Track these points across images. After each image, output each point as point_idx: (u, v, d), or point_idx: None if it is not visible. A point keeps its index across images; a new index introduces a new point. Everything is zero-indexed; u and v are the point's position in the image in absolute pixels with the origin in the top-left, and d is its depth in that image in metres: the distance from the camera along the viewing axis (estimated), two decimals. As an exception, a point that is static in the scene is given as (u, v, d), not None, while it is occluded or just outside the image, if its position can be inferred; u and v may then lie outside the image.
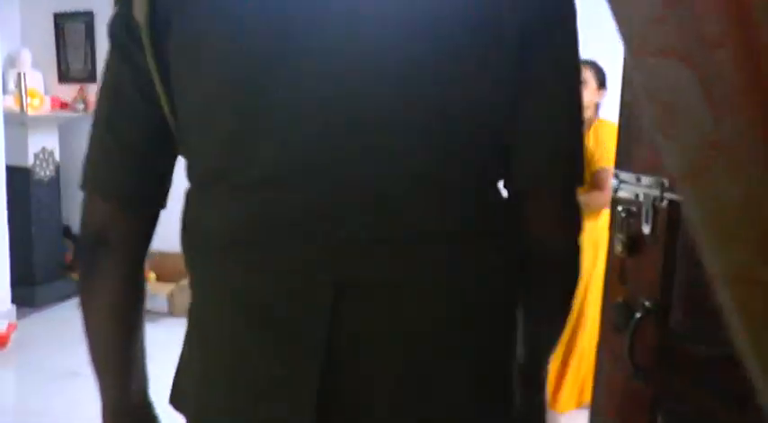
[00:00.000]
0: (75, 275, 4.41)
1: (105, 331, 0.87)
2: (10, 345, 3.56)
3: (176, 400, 0.85)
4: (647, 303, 1.07)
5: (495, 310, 0.76)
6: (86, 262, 0.83)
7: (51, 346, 3.57)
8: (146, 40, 0.70)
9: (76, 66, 4.41)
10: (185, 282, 3.77)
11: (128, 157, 0.78)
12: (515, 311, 0.79)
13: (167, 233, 3.87)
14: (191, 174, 0.79)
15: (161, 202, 0.86)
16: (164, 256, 4.27)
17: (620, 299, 1.14)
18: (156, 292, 4.08)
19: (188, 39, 0.69)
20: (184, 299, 4.00)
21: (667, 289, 1.06)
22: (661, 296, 1.06)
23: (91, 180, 0.81)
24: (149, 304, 3.92)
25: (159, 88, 0.72)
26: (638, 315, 1.06)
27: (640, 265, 1.11)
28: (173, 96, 0.72)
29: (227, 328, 0.76)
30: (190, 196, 0.81)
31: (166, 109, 0.73)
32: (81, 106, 4.34)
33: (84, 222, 0.82)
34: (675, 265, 1.05)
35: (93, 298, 0.84)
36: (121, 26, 0.73)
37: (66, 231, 4.54)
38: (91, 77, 4.40)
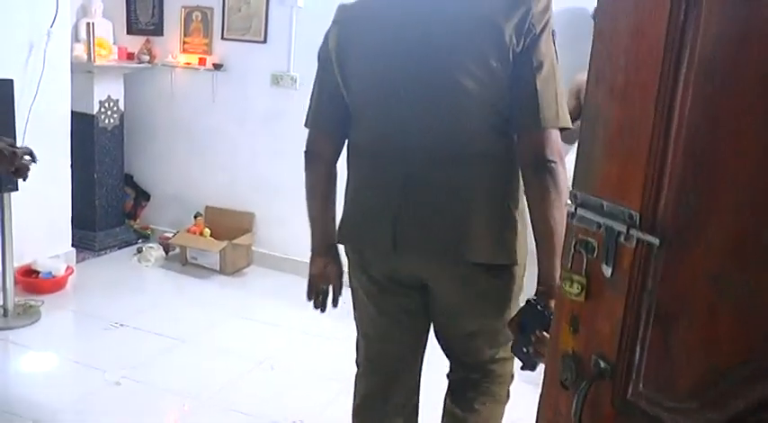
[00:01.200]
0: (132, 223, 4.55)
1: (321, 191, 1.68)
2: (67, 287, 3.70)
3: (340, 239, 1.68)
4: (601, 363, 0.88)
5: (493, 197, 1.48)
6: (306, 166, 1.68)
7: (104, 295, 3.70)
8: (334, 59, 1.55)
9: (144, 18, 4.46)
10: (237, 240, 3.83)
11: (323, 109, 1.62)
12: (500, 197, 1.48)
13: (222, 192, 3.94)
14: (353, 126, 1.59)
15: (345, 136, 1.62)
16: (219, 211, 4.39)
17: (569, 349, 0.93)
18: (209, 249, 4.15)
19: (352, 65, 1.53)
20: (235, 257, 4.08)
21: (627, 349, 0.85)
22: (617, 356, 0.86)
23: (309, 120, 1.66)
24: (201, 259, 4.01)
25: (341, 85, 1.55)
26: (588, 375, 0.89)
27: (596, 313, 0.90)
28: (347, 89, 1.56)
29: (360, 191, 1.60)
30: (351, 135, 1.61)
31: (345, 95, 1.56)
32: (146, 58, 4.40)
33: (306, 145, 1.68)
34: (639, 319, 0.84)
35: (309, 180, 1.68)
36: (324, 51, 1.59)
37: (128, 179, 4.65)
38: (157, 30, 4.44)
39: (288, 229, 4.16)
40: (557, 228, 1.34)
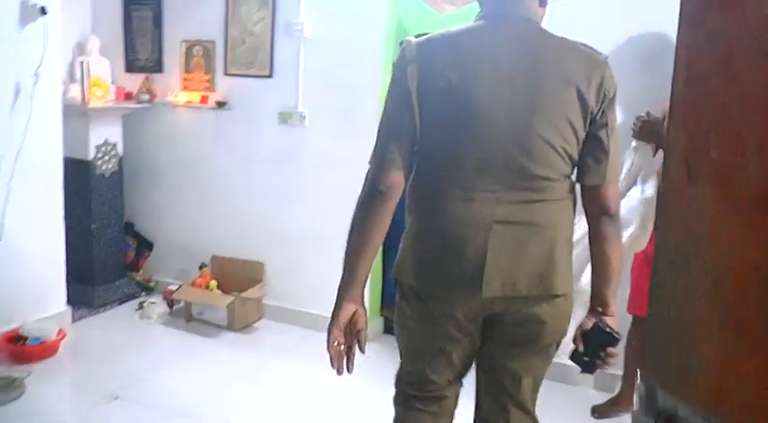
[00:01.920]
0: (135, 275, 4.20)
1: (376, 236, 1.59)
2: (59, 352, 3.35)
3: (398, 274, 1.66)
4: None
5: (563, 235, 1.62)
6: (375, 202, 1.57)
7: (100, 361, 3.34)
8: (414, 96, 1.55)
9: (143, 55, 4.17)
10: (245, 293, 3.46)
11: (404, 147, 1.58)
12: (570, 236, 1.65)
13: (229, 240, 4.10)
14: (420, 159, 1.61)
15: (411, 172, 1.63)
16: (226, 261, 4.04)
17: None
18: (215, 304, 3.78)
19: (430, 97, 1.56)
20: (244, 311, 3.69)
21: None
22: None
23: (385, 157, 1.57)
24: (207, 315, 3.64)
25: (417, 116, 1.57)
26: None
27: None
28: (420, 119, 1.57)
29: (439, 230, 1.59)
30: (416, 171, 1.63)
31: (418, 126, 1.58)
32: (146, 97, 4.10)
33: (376, 181, 1.57)
34: None
35: (372, 222, 1.57)
36: (402, 84, 1.57)
37: (129, 228, 4.33)
38: (157, 67, 4.15)
39: (301, 280, 3.80)
40: (616, 266, 1.65)
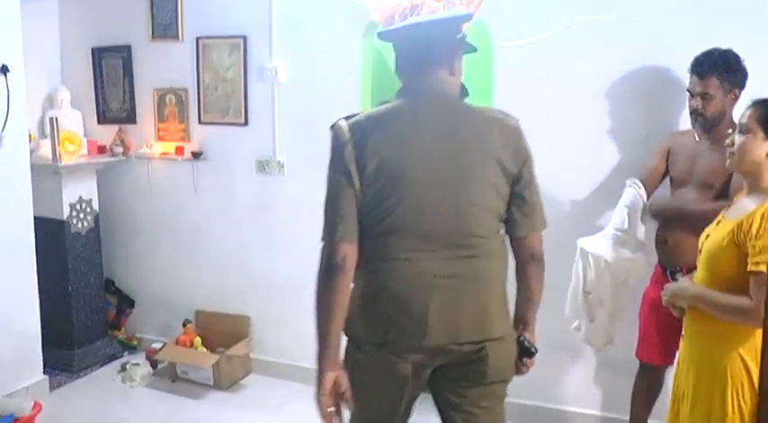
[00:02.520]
0: (117, 333, 4.04)
1: (339, 308, 1.71)
2: (35, 429, 3.18)
3: (349, 329, 1.77)
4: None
5: (497, 285, 1.79)
6: (333, 277, 1.69)
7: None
8: (354, 174, 1.67)
9: (115, 105, 4.04)
10: (231, 350, 3.29)
11: (350, 222, 1.70)
12: (503, 285, 1.81)
13: (212, 294, 4.59)
14: (364, 227, 1.72)
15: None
16: (210, 316, 3.88)
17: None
18: (201, 364, 3.61)
19: (367, 174, 1.67)
20: (231, 369, 3.52)
21: None
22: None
23: (336, 233, 1.69)
24: (193, 374, 3.47)
25: (359, 193, 1.69)
26: None
27: None
28: (361, 193, 1.70)
29: (387, 290, 1.73)
30: (361, 237, 1.73)
31: (359, 200, 1.70)
32: (120, 150, 3.96)
33: (331, 257, 1.69)
34: None
35: (334, 294, 1.69)
36: (340, 165, 1.69)
37: (109, 285, 4.17)
38: (130, 117, 4.01)
39: (287, 331, 3.64)
40: (539, 296, 1.90)
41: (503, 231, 1.82)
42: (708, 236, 1.98)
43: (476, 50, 1.86)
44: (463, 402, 1.82)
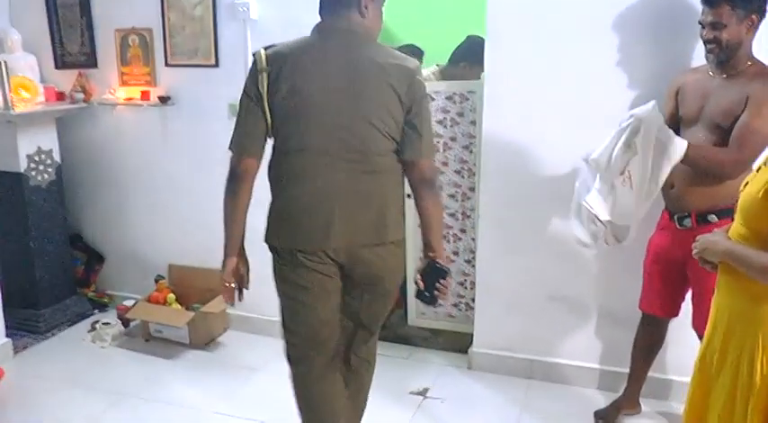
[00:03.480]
0: (87, 291, 3.83)
1: (239, 208, 2.04)
2: (-1, 395, 2.98)
3: (267, 239, 2.10)
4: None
5: (392, 197, 2.06)
6: (234, 183, 2.01)
7: (42, 404, 2.96)
8: (265, 99, 1.94)
9: (73, 48, 3.73)
10: (207, 306, 3.10)
11: (254, 139, 2.00)
12: (398, 198, 2.09)
13: (187, 247, 3.78)
14: (276, 147, 2.03)
15: (262, 157, 2.04)
16: (184, 271, 3.67)
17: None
18: (175, 322, 3.42)
19: (279, 98, 1.93)
20: (208, 326, 3.31)
21: None
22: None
23: (240, 148, 2.01)
24: (167, 332, 3.29)
25: (267, 112, 1.96)
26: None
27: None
28: (272, 115, 1.96)
29: (295, 199, 2.01)
30: (273, 157, 2.04)
31: (269, 121, 1.97)
32: (80, 96, 3.67)
33: (234, 167, 2.01)
34: None
35: (235, 197, 2.02)
36: (252, 89, 1.96)
37: (76, 241, 3.93)
38: (90, 61, 3.71)
39: (267, 285, 3.38)
40: (438, 219, 2.12)
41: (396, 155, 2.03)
42: (746, 184, 1.76)
43: None
44: (354, 293, 2.14)
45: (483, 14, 2.92)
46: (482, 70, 3.41)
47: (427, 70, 3.51)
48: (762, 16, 2.26)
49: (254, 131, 1.99)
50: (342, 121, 1.93)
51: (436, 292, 2.01)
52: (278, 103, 1.94)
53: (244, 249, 2.15)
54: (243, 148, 2.01)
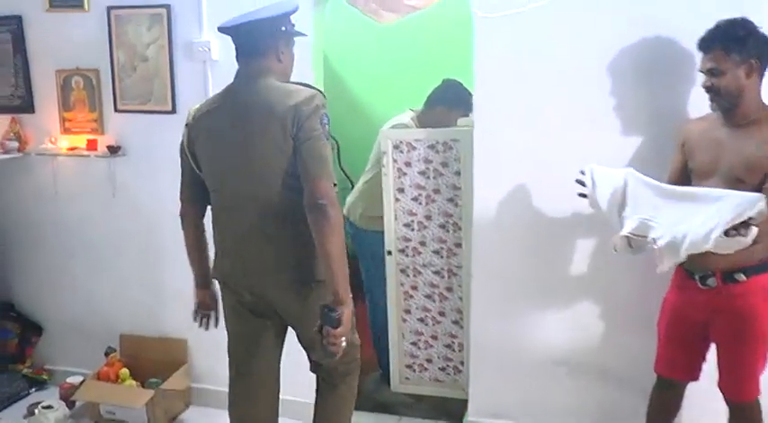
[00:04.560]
0: (21, 367, 3.37)
1: (194, 242, 2.31)
2: None
3: (214, 275, 2.30)
4: None
5: (298, 237, 2.03)
6: (181, 225, 2.29)
7: None
8: (187, 152, 2.19)
9: (5, 90, 3.31)
10: (167, 383, 2.74)
11: (190, 188, 2.24)
12: (299, 239, 2.04)
13: (140, 314, 3.37)
14: (211, 196, 2.20)
15: (206, 202, 2.23)
16: (139, 341, 3.26)
17: None
18: (130, 402, 3.01)
19: (201, 153, 2.16)
20: (168, 405, 2.73)
21: None
22: None
23: (180, 193, 2.26)
24: (121, 413, 2.83)
25: (195, 168, 2.19)
26: None
27: None
28: (201, 170, 2.18)
29: (220, 240, 2.22)
30: (211, 202, 2.22)
31: (197, 171, 2.19)
32: (14, 145, 3.24)
33: (180, 211, 2.28)
34: None
35: (185, 237, 2.30)
36: (182, 146, 2.21)
37: (7, 310, 3.48)
38: (26, 105, 3.29)
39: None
40: (331, 253, 1.93)
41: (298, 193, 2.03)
42: None
43: (306, 35, 2.28)
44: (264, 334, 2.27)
45: (469, 61, 2.69)
46: (460, 114, 3.21)
47: (404, 116, 3.27)
48: (763, 61, 2.14)
49: (187, 179, 2.23)
50: (241, 172, 2.06)
51: (324, 342, 1.92)
52: (197, 159, 2.16)
53: (211, 282, 2.37)
54: (181, 193, 2.27)
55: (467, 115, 3.18)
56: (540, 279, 2.77)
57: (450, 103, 3.22)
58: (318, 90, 2.07)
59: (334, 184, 2.00)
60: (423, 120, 3.28)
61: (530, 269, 2.77)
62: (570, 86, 2.60)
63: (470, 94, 2.94)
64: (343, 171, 4.54)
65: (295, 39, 2.17)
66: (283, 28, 2.10)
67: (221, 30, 2.12)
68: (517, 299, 2.82)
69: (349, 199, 3.41)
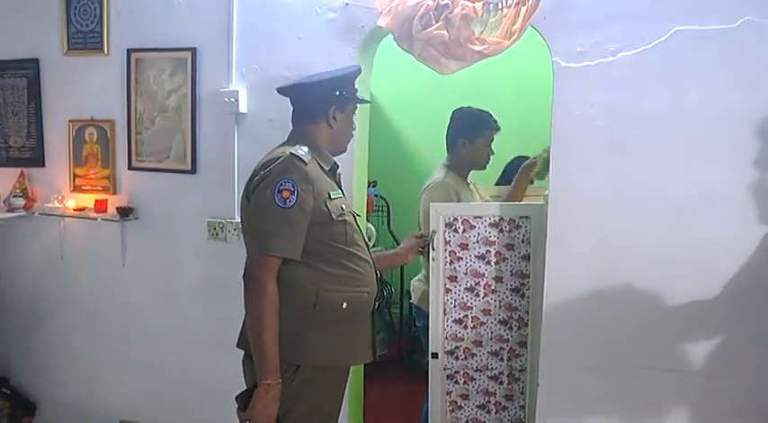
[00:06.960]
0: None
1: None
2: None
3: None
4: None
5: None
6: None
7: None
8: (308, 210, 1.88)
9: (16, 141, 2.99)
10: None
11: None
12: (290, 311, 1.89)
13: (144, 400, 3.06)
14: None
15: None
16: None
17: None
18: None
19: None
20: None
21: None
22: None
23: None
24: None
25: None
26: None
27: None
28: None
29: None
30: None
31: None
32: (20, 202, 2.90)
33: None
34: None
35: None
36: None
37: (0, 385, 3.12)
38: (36, 158, 2.97)
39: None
40: (249, 327, 1.86)
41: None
42: None
43: (369, 102, 2.32)
44: None
45: (547, 116, 2.20)
46: (488, 139, 2.74)
47: (437, 172, 2.77)
48: None
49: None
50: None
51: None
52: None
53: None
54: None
55: (493, 135, 2.75)
56: (620, 396, 2.26)
57: (467, 131, 2.75)
58: (293, 153, 1.91)
59: (276, 256, 1.87)
60: (454, 165, 2.79)
61: (607, 383, 2.26)
62: (673, 153, 2.08)
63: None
64: (393, 236, 4.07)
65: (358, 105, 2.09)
66: (338, 92, 2.01)
67: (280, 91, 2.07)
68: (590, 418, 2.28)
69: (414, 282, 2.93)
